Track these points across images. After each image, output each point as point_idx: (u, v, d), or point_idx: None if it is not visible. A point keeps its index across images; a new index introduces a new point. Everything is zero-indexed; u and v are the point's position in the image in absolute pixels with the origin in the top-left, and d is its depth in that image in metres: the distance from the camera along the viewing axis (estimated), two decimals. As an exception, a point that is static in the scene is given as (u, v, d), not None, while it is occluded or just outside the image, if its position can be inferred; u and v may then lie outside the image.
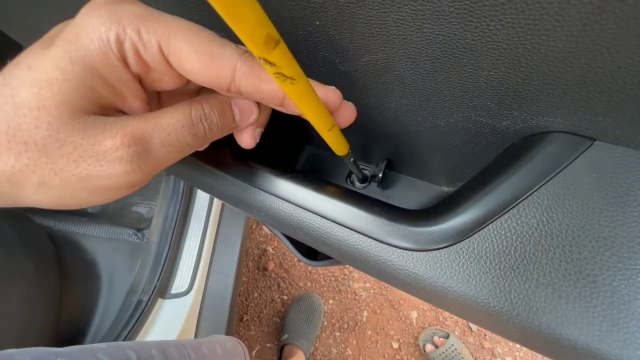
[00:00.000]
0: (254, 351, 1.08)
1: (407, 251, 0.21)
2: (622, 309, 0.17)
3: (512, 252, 0.19)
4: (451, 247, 0.20)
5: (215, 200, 0.87)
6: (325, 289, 1.13)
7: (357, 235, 0.23)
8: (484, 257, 0.19)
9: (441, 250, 0.20)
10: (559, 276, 0.18)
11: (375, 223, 0.22)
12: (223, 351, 0.52)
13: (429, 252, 0.21)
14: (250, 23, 0.12)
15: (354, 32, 0.19)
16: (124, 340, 0.67)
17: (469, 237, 0.20)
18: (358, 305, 1.09)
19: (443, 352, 0.95)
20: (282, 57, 0.14)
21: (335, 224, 0.24)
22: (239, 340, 0.60)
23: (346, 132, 0.23)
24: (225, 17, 0.11)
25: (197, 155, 0.29)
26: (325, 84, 0.26)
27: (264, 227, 1.23)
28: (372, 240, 0.22)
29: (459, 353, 0.94)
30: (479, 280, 0.19)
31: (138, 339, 0.70)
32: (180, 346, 0.45)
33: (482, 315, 0.19)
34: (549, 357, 0.20)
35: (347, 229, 0.23)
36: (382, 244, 0.22)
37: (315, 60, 0.24)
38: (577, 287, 0.17)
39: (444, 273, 0.20)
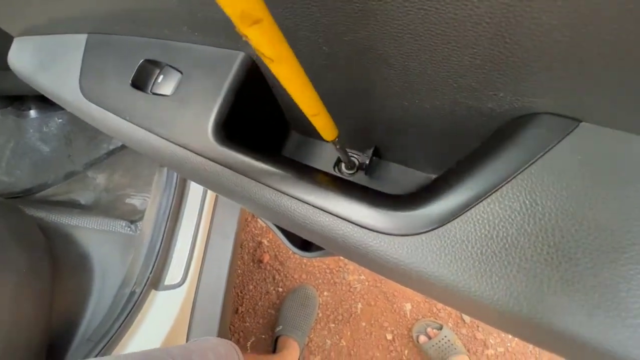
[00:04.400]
0: (249, 342, 1.09)
1: (388, 236, 0.21)
2: (604, 293, 0.16)
3: (494, 236, 0.18)
4: (432, 232, 0.20)
5: (209, 191, 0.86)
6: (320, 281, 1.13)
7: (338, 220, 0.22)
8: (466, 242, 0.19)
9: (422, 235, 0.20)
10: (541, 260, 0.17)
11: (356, 208, 0.22)
12: (216, 357, 0.51)
13: (410, 237, 0.20)
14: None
15: (335, 8, 0.19)
16: (116, 332, 0.66)
17: (450, 221, 0.19)
18: (352, 297, 1.09)
19: (436, 344, 0.95)
20: (260, 36, 0.13)
21: (316, 209, 0.23)
22: (232, 344, 0.58)
23: (333, 119, 0.22)
24: None
25: (180, 139, 0.29)
26: (310, 66, 0.25)
27: (259, 219, 1.22)
28: (353, 225, 0.22)
29: (452, 344, 0.95)
30: (459, 265, 0.19)
31: (131, 331, 0.69)
32: (169, 358, 0.43)
33: (462, 300, 0.19)
34: (533, 343, 0.20)
35: (328, 214, 0.23)
36: (363, 229, 0.21)
37: (297, 40, 0.23)
38: (559, 272, 0.17)
39: (425, 258, 0.20)
